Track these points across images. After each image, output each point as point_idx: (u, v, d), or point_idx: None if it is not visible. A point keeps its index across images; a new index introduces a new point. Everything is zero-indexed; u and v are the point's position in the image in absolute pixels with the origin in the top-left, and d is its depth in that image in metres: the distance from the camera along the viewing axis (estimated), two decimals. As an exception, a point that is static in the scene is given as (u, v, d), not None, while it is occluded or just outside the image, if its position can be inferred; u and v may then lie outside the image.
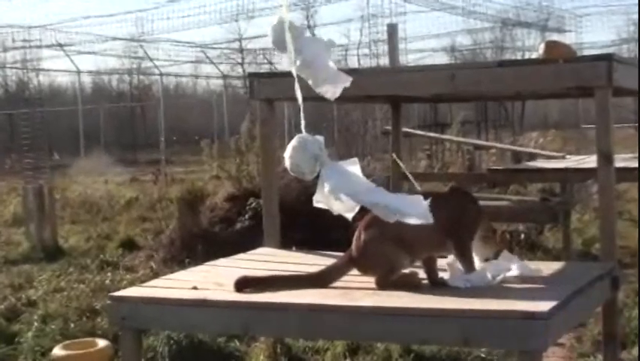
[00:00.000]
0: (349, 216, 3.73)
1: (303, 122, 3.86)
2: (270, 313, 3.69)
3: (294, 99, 3.78)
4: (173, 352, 5.49)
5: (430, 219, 3.57)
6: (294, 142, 3.79)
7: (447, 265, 3.94)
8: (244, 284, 3.92)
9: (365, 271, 3.91)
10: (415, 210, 3.58)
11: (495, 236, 4.02)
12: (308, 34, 3.96)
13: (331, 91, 3.87)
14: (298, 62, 3.79)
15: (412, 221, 3.58)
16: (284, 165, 3.87)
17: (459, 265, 3.89)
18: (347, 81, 3.85)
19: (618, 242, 4.35)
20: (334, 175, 3.70)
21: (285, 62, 3.88)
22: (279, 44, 3.84)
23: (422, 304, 3.53)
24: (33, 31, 23.19)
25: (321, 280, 3.95)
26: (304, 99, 3.78)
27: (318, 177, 3.79)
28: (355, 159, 3.83)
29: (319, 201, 3.77)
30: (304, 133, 3.82)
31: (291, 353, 5.48)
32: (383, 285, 3.82)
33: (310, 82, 3.85)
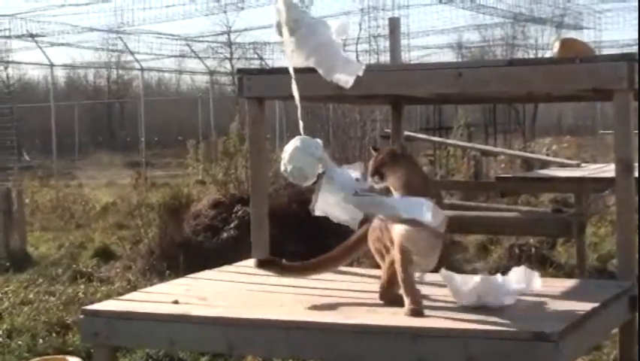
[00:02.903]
0: (354, 225, 3.73)
1: (301, 124, 3.86)
2: (256, 330, 3.68)
3: (286, 98, 3.78)
4: (150, 371, 5.49)
5: (433, 223, 3.58)
6: (297, 144, 3.77)
7: (443, 277, 3.82)
8: (268, 264, 3.98)
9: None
10: (418, 211, 3.60)
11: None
12: (310, 17, 3.96)
13: (344, 80, 3.89)
14: (306, 48, 3.79)
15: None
16: (276, 169, 3.87)
17: (462, 279, 3.81)
18: (359, 69, 3.87)
19: (637, 258, 4.34)
20: (340, 180, 3.69)
21: (287, 51, 3.88)
22: (284, 26, 3.85)
23: (422, 322, 3.53)
24: (1, 19, 23.11)
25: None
26: (293, 98, 3.79)
27: (315, 182, 3.76)
28: (360, 164, 3.83)
29: (320, 208, 3.74)
30: (303, 135, 3.80)
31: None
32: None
33: (321, 70, 3.85)
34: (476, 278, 3.74)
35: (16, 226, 10.96)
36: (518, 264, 8.52)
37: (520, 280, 3.85)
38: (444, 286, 3.89)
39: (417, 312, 3.61)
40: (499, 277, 3.78)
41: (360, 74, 3.91)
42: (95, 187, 20.40)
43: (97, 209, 15.39)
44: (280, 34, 3.92)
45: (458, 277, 3.80)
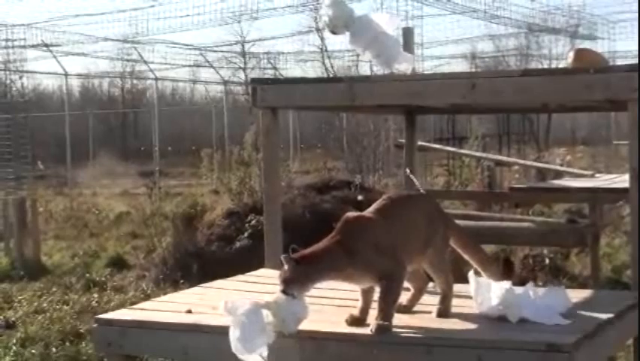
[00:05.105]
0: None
1: None
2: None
3: (300, 108, 3.80)
4: (163, 381, 5.49)
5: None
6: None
7: (471, 281, 3.77)
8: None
9: None
10: None
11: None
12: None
13: (404, 68, 3.93)
14: (362, 42, 3.84)
15: None
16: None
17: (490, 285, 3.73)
18: (413, 62, 3.92)
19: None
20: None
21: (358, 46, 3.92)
22: (338, 22, 3.88)
23: (435, 333, 3.52)
24: (17, 29, 23.18)
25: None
26: (311, 108, 3.80)
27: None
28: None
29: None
30: None
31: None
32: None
33: (380, 60, 3.88)
34: (502, 289, 3.67)
35: (30, 235, 11.00)
36: (532, 274, 8.55)
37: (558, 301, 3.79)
38: (457, 296, 3.88)
39: (385, 328, 3.54)
40: (522, 289, 3.77)
41: (413, 65, 3.95)
42: (109, 196, 20.45)
43: (110, 218, 15.43)
44: (332, 31, 3.93)
45: (485, 285, 3.74)
